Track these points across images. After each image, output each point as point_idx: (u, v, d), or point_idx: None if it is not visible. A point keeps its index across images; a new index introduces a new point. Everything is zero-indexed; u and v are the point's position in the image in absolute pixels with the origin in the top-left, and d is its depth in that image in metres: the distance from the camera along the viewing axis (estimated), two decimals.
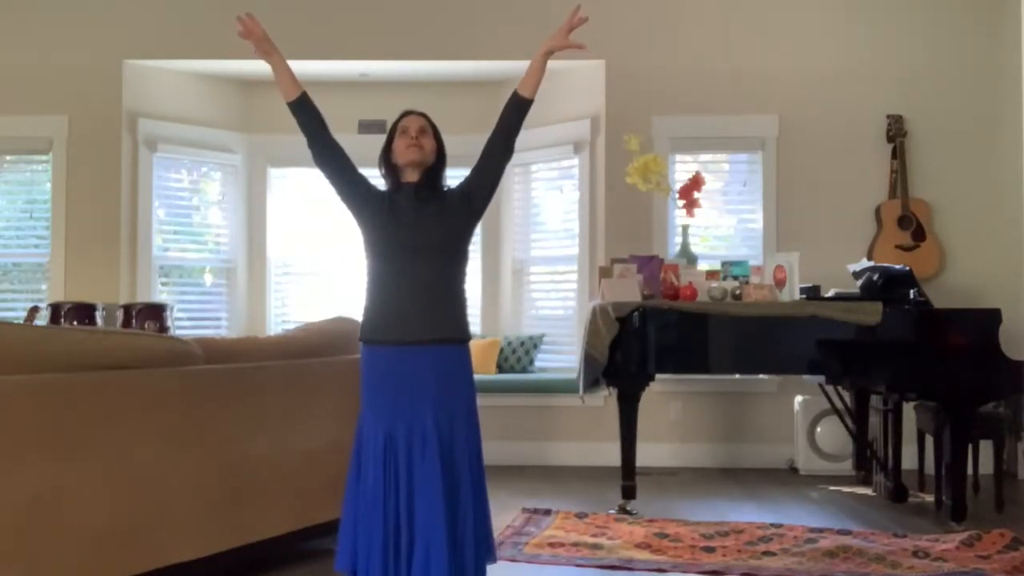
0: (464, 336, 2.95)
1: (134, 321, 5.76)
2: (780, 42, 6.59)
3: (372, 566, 2.77)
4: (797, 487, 5.72)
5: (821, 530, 4.42)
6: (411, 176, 2.98)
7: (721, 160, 6.90)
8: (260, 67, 6.97)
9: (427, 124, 3.02)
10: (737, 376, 6.34)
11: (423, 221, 2.91)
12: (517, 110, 3.02)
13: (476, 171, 3.04)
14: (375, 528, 2.78)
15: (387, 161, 3.02)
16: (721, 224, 6.81)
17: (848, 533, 4.35)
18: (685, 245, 5.50)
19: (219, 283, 7.23)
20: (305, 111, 3.07)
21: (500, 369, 6.80)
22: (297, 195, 7.32)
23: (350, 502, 2.89)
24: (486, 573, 2.93)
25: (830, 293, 5.24)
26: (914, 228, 6.39)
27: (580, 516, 4.73)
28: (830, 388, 5.67)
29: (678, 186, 5.53)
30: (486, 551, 2.90)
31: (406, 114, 3.06)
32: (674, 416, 6.47)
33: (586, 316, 5.17)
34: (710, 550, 4.11)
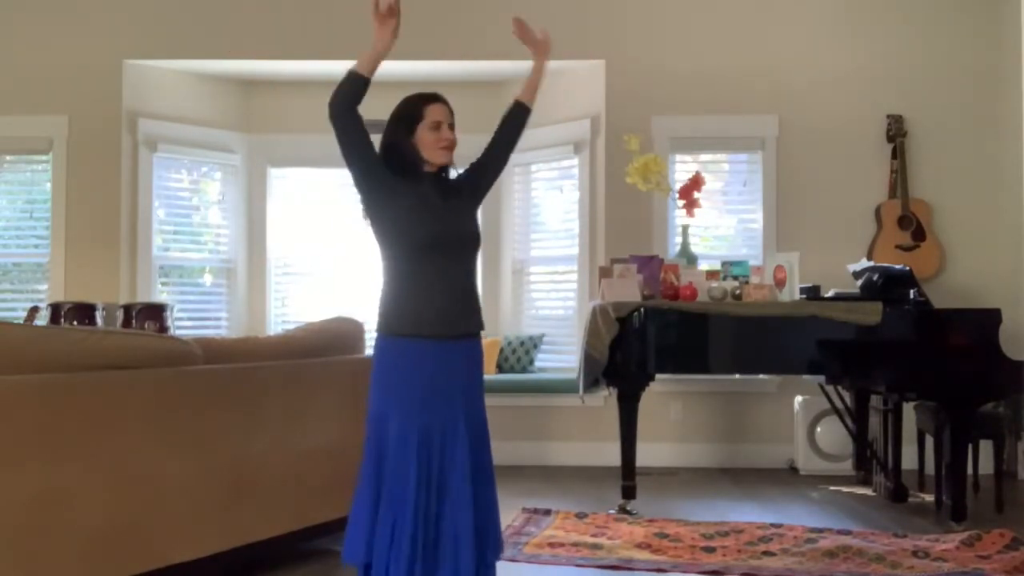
0: (482, 327, 2.95)
1: (134, 321, 5.76)
2: (780, 42, 6.59)
3: (398, 563, 2.67)
4: (797, 487, 5.72)
5: (821, 530, 4.42)
6: (429, 167, 2.88)
7: (721, 160, 6.90)
8: (260, 67, 7.03)
9: (452, 115, 2.90)
10: (737, 376, 6.34)
11: (451, 214, 2.85)
12: (518, 119, 3.05)
13: (479, 168, 3.01)
14: (403, 524, 2.68)
15: (407, 146, 2.84)
16: (721, 224, 6.81)
17: (848, 533, 4.35)
18: (685, 245, 5.50)
19: (219, 283, 7.23)
20: (363, 89, 2.91)
21: (500, 369, 6.80)
22: (297, 195, 7.32)
23: (366, 496, 2.76)
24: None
25: (830, 293, 5.24)
26: (914, 228, 6.39)
27: (580, 516, 4.73)
28: (830, 388, 5.67)
29: (678, 186, 5.53)
30: (497, 542, 2.87)
31: (435, 99, 2.89)
32: (674, 416, 6.47)
33: (586, 316, 5.17)
34: (710, 550, 4.11)
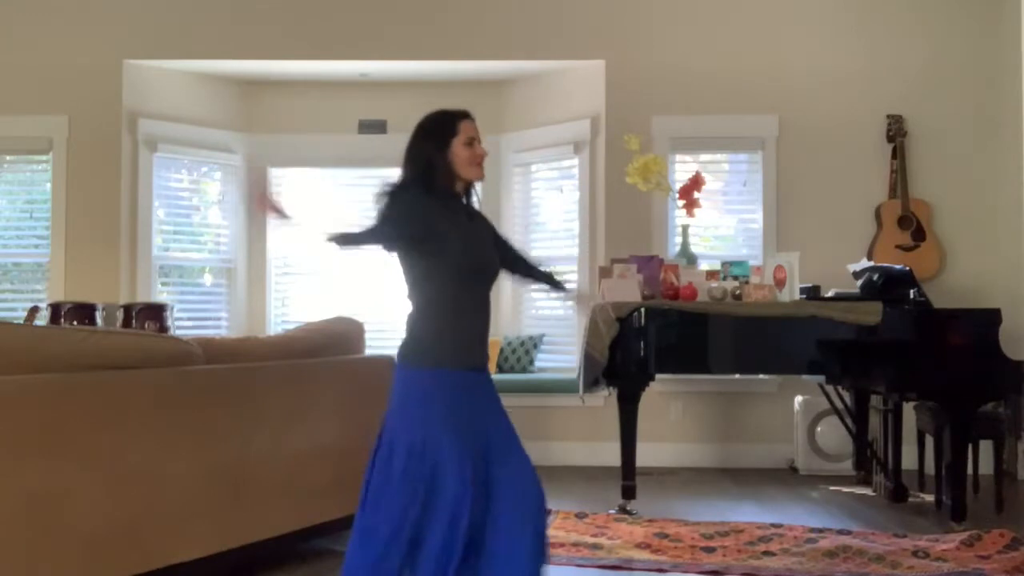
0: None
1: (134, 321, 5.76)
2: (780, 42, 6.59)
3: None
4: (797, 487, 5.72)
5: (821, 530, 4.42)
6: (459, 187, 2.79)
7: (721, 160, 6.90)
8: (260, 67, 7.02)
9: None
10: (737, 376, 6.34)
11: (481, 240, 2.81)
12: (539, 283, 3.16)
13: (501, 246, 2.97)
14: (450, 549, 2.61)
15: (443, 163, 2.74)
16: (721, 224, 6.81)
17: (848, 533, 4.35)
18: (685, 245, 5.50)
19: (219, 283, 7.23)
20: (354, 238, 2.71)
21: (500, 369, 6.80)
22: (297, 195, 7.32)
23: (399, 534, 2.64)
24: None
25: (830, 293, 5.24)
26: (914, 228, 6.39)
27: (580, 516, 4.73)
28: (830, 388, 5.67)
29: (678, 186, 5.53)
30: None
31: (466, 115, 2.81)
32: (674, 416, 6.47)
33: (586, 316, 5.17)
34: (710, 550, 4.11)
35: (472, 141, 2.77)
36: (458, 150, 2.76)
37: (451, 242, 2.69)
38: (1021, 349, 5.30)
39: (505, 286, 7.16)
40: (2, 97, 6.67)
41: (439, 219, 2.70)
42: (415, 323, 2.76)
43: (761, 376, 6.36)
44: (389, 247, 2.73)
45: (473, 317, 2.77)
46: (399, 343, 2.81)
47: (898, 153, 6.43)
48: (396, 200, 2.70)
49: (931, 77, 6.51)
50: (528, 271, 3.10)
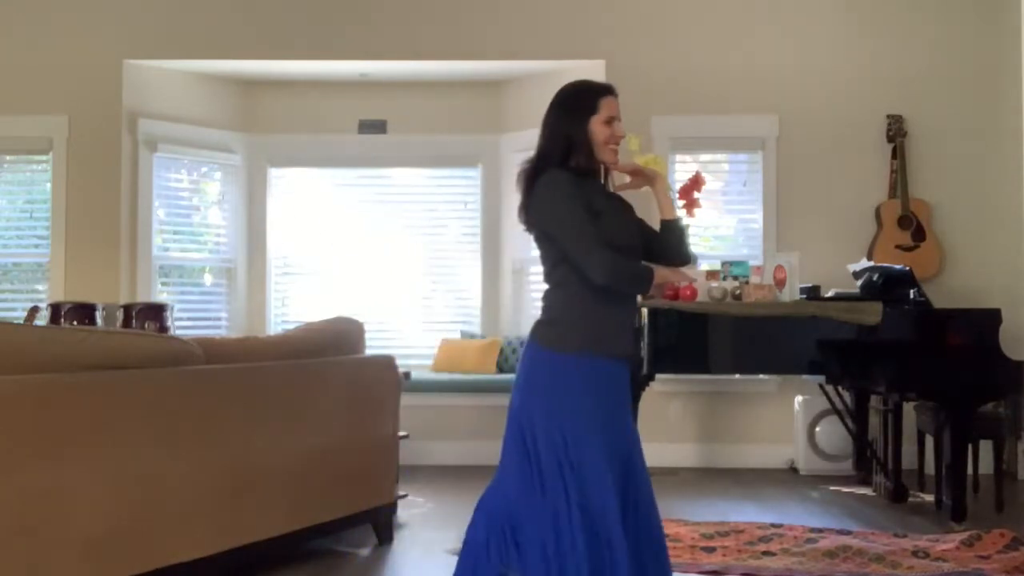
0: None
1: (134, 321, 5.76)
2: (780, 42, 6.59)
3: None
4: (797, 487, 5.72)
5: (821, 530, 4.42)
6: (597, 166, 2.66)
7: (721, 160, 6.90)
8: (260, 67, 7.01)
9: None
10: (737, 376, 6.34)
11: (624, 222, 2.70)
12: (669, 234, 2.98)
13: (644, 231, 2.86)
14: (617, 543, 2.44)
15: (584, 140, 2.61)
16: (721, 224, 6.81)
17: (848, 533, 4.35)
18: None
19: (219, 283, 7.23)
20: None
21: (500, 369, 6.79)
22: (297, 195, 7.32)
23: (580, 534, 2.44)
24: None
25: (830, 293, 5.24)
26: (914, 228, 6.38)
27: None
28: (830, 388, 5.67)
29: (678, 186, 5.52)
30: None
31: (609, 91, 2.65)
32: (674, 416, 6.47)
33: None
34: (710, 550, 4.11)
35: (612, 120, 2.61)
36: (596, 128, 2.60)
37: (600, 223, 2.56)
38: (1021, 349, 5.30)
39: (506, 286, 7.16)
40: (2, 97, 6.66)
41: (589, 200, 2.56)
42: (557, 303, 2.67)
43: (761, 376, 6.36)
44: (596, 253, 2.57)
45: (618, 301, 2.63)
46: (535, 321, 2.72)
47: (898, 153, 6.43)
48: (561, 198, 2.53)
49: (931, 77, 6.51)
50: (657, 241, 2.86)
